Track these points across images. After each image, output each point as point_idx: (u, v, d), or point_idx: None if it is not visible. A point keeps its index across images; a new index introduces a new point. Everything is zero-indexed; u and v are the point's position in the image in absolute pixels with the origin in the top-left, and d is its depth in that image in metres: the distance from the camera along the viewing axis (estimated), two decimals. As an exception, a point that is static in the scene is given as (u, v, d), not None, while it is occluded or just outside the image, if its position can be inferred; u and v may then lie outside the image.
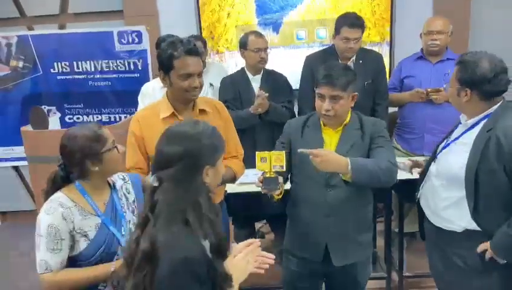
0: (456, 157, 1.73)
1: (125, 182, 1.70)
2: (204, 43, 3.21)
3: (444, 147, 1.85)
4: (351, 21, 2.69)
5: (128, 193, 1.68)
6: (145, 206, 1.21)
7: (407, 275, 2.80)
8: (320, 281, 1.97)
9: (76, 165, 1.52)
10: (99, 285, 1.55)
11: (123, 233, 1.58)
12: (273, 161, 1.67)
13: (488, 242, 1.67)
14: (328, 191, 1.78)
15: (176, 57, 1.76)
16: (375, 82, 2.85)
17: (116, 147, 1.55)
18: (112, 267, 1.51)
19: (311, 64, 2.82)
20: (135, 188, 1.70)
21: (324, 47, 3.17)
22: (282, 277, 2.00)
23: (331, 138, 1.83)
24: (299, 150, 1.67)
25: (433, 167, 1.87)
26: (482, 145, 1.64)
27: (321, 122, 1.84)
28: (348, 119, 1.83)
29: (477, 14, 3.69)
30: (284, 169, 1.67)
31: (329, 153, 1.67)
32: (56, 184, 1.57)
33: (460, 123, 1.82)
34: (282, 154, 1.68)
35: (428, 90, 2.77)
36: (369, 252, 1.95)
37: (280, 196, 1.73)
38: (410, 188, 2.09)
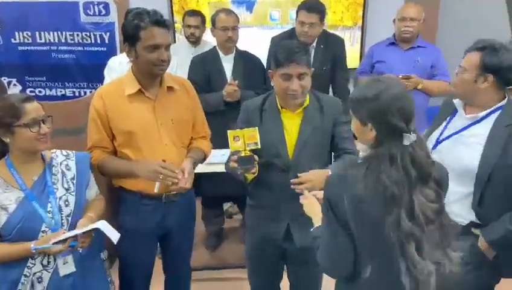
0: (467, 150, 1.68)
1: (68, 158, 1.67)
2: (202, 19, 3.18)
3: (444, 139, 1.79)
4: (309, 5, 2.72)
5: (68, 170, 1.64)
6: None
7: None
8: (282, 261, 1.98)
9: None
10: (27, 261, 1.52)
11: (49, 209, 1.54)
12: (246, 139, 1.63)
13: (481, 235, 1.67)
14: (290, 174, 1.74)
15: (142, 27, 1.68)
16: (334, 67, 2.90)
17: (29, 125, 1.47)
18: (31, 244, 1.49)
19: (275, 45, 2.81)
20: (79, 165, 1.67)
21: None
22: (246, 254, 2.01)
23: (290, 121, 1.79)
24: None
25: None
26: (503, 141, 1.62)
27: (279, 105, 1.79)
28: (308, 100, 1.80)
29: (446, 2, 3.75)
30: (259, 146, 1.64)
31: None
32: None
33: (456, 112, 1.79)
34: (256, 130, 1.64)
35: (400, 76, 2.81)
36: None
37: (255, 175, 1.71)
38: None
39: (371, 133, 1.23)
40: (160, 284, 2.13)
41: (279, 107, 1.79)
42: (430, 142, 1.83)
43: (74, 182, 1.63)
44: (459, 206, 1.70)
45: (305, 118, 1.78)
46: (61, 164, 1.63)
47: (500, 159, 1.61)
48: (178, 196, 1.86)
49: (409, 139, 1.18)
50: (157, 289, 2.11)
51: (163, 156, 1.78)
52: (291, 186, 1.65)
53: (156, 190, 1.77)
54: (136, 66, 1.78)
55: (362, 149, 1.34)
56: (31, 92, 3.72)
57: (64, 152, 1.67)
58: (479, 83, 1.66)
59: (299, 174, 1.65)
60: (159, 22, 1.70)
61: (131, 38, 1.71)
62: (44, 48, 3.63)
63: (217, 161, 2.28)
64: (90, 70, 3.65)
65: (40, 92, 3.75)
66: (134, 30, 1.69)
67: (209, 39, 3.18)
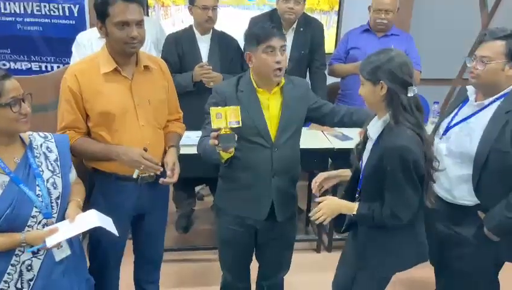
0: (470, 136, 1.77)
1: (47, 140, 1.58)
2: None
3: (453, 126, 1.87)
4: None
5: (50, 152, 1.56)
6: None
7: (336, 238, 2.97)
8: (253, 242, 2.01)
9: None
10: (15, 250, 1.44)
11: (38, 193, 1.47)
12: (228, 116, 1.62)
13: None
14: (274, 152, 1.81)
15: (110, 3, 1.62)
16: (312, 52, 2.91)
17: (10, 104, 1.37)
18: (21, 235, 1.42)
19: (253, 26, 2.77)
20: (59, 146, 1.59)
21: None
22: (218, 235, 2.03)
23: (268, 100, 1.82)
24: (316, 199, 1.71)
25: (441, 146, 1.88)
26: (500, 126, 1.70)
27: (255, 85, 1.81)
28: (283, 80, 1.84)
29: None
30: (240, 124, 1.64)
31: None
32: None
33: (467, 100, 1.87)
34: (238, 109, 1.64)
35: None
36: (296, 203, 2.06)
37: (231, 154, 1.72)
38: (346, 157, 2.14)
39: (383, 91, 1.55)
40: (130, 264, 2.12)
41: (256, 87, 1.81)
42: (441, 129, 1.92)
43: (58, 163, 1.55)
44: (465, 188, 1.81)
45: (285, 96, 1.83)
46: (41, 146, 1.54)
47: (495, 143, 1.71)
48: (154, 177, 1.84)
49: (413, 90, 1.54)
50: (127, 270, 2.10)
51: (139, 137, 1.75)
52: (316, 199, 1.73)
53: (134, 176, 1.75)
54: (109, 44, 1.73)
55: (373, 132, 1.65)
56: (-6, 64, 3.53)
57: (41, 134, 1.58)
58: (506, 70, 1.73)
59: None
60: None
61: (100, 14, 1.66)
62: (9, 19, 3.42)
63: (190, 142, 2.26)
64: (58, 44, 3.48)
65: (4, 64, 3.56)
66: (104, 6, 1.64)
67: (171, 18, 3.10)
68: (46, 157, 1.54)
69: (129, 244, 2.06)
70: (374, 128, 1.65)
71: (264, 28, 1.75)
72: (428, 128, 2.05)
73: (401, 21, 3.40)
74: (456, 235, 1.86)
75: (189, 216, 3.15)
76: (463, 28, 3.63)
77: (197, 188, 3.37)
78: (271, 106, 1.82)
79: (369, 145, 1.70)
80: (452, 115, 1.93)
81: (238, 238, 1.95)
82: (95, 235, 1.88)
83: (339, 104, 1.88)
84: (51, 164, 1.54)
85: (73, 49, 2.74)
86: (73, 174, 1.67)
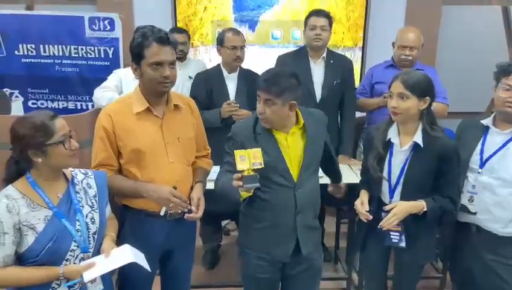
0: None
1: (87, 176, 1.64)
2: (188, 36, 3.26)
3: (489, 157, 1.93)
4: (317, 10, 2.85)
5: (90, 188, 1.62)
6: None
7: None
8: (279, 279, 1.99)
9: (19, 152, 1.46)
10: (52, 283, 1.48)
11: (77, 228, 1.52)
12: (251, 158, 1.67)
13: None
14: (297, 191, 1.83)
15: (146, 45, 1.71)
16: (343, 83, 2.92)
17: (63, 142, 1.46)
18: (60, 270, 1.46)
19: (283, 65, 2.84)
20: (98, 183, 1.65)
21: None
22: (242, 271, 2.02)
23: (287, 141, 1.84)
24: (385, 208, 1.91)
25: (483, 178, 1.94)
26: None
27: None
28: (301, 121, 1.86)
29: (446, 27, 3.83)
30: (262, 166, 1.68)
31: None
32: (12, 173, 1.50)
33: (487, 131, 1.97)
34: (259, 151, 1.69)
35: None
36: (320, 235, 2.10)
37: (250, 194, 1.75)
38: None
39: (425, 104, 1.86)
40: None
41: (271, 129, 1.84)
42: (474, 163, 1.97)
43: (96, 199, 1.61)
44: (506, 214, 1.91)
45: (309, 137, 1.86)
46: (82, 181, 1.61)
47: None
48: (181, 213, 1.86)
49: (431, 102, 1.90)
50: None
51: (169, 173, 1.80)
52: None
53: (162, 213, 1.80)
54: (142, 84, 1.81)
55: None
56: (33, 104, 3.73)
57: (82, 170, 1.64)
58: None
59: (386, 208, 1.91)
60: (162, 39, 1.72)
61: (136, 56, 1.75)
62: (48, 61, 3.65)
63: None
64: (93, 84, 3.61)
65: (42, 104, 3.75)
66: (139, 48, 1.73)
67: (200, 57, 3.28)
68: (86, 193, 1.60)
69: (156, 281, 2.07)
70: (417, 138, 1.87)
71: (264, 76, 1.81)
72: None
73: (427, 55, 3.41)
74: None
75: (216, 251, 3.15)
76: (490, 60, 3.60)
77: (223, 223, 3.38)
78: (291, 146, 1.84)
79: (400, 154, 1.91)
80: (478, 149, 1.97)
81: (263, 274, 1.94)
82: (124, 271, 1.90)
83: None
84: (90, 200, 1.60)
85: (109, 76, 2.95)
86: (108, 209, 1.72)
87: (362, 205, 1.98)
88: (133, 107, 1.79)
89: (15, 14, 3.59)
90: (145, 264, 1.60)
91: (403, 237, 1.92)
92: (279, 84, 1.74)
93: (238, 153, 1.67)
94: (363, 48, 3.81)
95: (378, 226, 1.90)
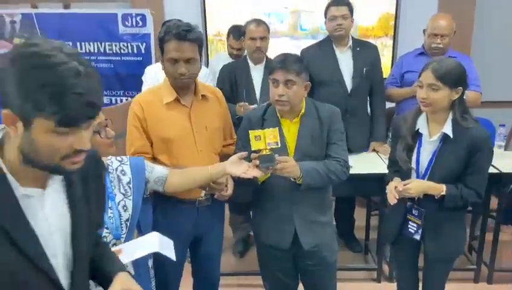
0: None
1: (122, 163, 1.67)
2: (268, 29, 2.87)
3: None
4: (336, 0, 2.78)
5: (124, 175, 1.65)
6: None
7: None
8: (293, 265, 2.01)
9: None
10: None
11: (110, 215, 1.56)
12: (267, 138, 1.67)
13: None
14: (291, 181, 1.80)
15: (165, 40, 1.75)
16: (372, 69, 2.87)
17: (98, 131, 1.48)
18: None
19: (307, 58, 2.82)
20: (133, 169, 1.68)
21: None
22: (259, 261, 2.08)
23: (289, 130, 1.85)
24: (277, 157, 1.69)
25: None
26: None
27: (278, 114, 1.85)
28: (303, 109, 1.86)
29: (480, 12, 3.70)
30: (279, 145, 1.68)
31: (289, 159, 1.74)
32: None
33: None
34: (276, 130, 1.69)
35: None
36: (332, 231, 2.04)
37: (268, 175, 1.77)
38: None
39: (457, 95, 1.78)
40: (188, 287, 2.19)
41: (279, 116, 1.86)
42: None
43: (130, 185, 1.64)
44: None
45: (302, 125, 1.85)
46: (116, 169, 1.64)
47: None
48: (210, 200, 1.92)
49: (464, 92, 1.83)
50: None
51: (197, 162, 1.84)
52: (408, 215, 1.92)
53: (202, 194, 1.89)
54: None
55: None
56: (70, 99, 3.90)
57: (118, 157, 1.67)
58: None
59: (404, 182, 1.85)
60: (180, 35, 1.72)
61: (160, 49, 1.81)
62: (85, 58, 3.80)
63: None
64: (126, 79, 3.81)
65: (78, 99, 3.93)
66: (160, 42, 1.79)
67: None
68: (120, 181, 1.64)
69: (187, 268, 2.13)
70: (446, 128, 1.81)
71: (275, 60, 1.82)
72: (496, 151, 1.99)
73: (462, 42, 3.31)
74: None
75: (246, 240, 3.20)
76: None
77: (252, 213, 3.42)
78: (290, 135, 1.85)
79: (429, 145, 1.86)
80: None
81: (275, 264, 1.99)
82: (157, 256, 1.97)
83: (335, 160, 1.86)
84: (123, 187, 1.64)
85: (143, 78, 3.02)
86: (158, 170, 1.73)
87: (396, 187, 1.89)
88: (162, 97, 1.85)
89: (53, 12, 3.76)
90: (171, 253, 1.62)
91: (420, 231, 1.90)
92: (296, 64, 1.77)
93: (253, 133, 1.67)
94: (394, 37, 3.73)
95: (394, 190, 1.85)
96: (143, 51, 3.79)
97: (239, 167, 1.68)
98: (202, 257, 2.07)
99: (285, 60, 1.78)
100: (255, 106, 2.64)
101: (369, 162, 2.71)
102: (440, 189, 1.82)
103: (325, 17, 2.82)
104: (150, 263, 1.81)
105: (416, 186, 1.83)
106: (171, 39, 1.74)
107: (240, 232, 3.17)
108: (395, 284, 2.28)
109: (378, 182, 2.61)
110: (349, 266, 2.95)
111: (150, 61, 3.72)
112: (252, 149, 1.68)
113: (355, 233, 3.25)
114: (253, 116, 1.91)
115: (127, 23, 3.73)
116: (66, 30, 3.75)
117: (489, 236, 2.77)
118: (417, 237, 1.92)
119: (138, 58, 3.80)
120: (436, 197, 1.84)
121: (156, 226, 1.90)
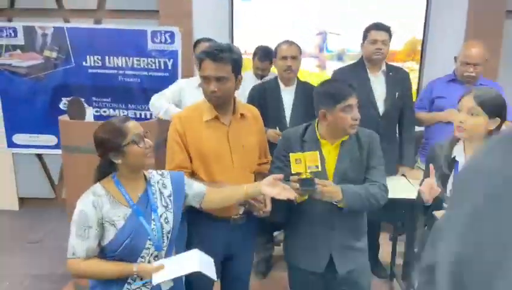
0: None
1: (163, 177, 1.71)
2: (299, 50, 2.83)
3: None
4: (377, 24, 2.79)
5: (165, 188, 1.68)
6: None
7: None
8: (323, 285, 1.97)
9: (102, 155, 1.58)
10: (128, 279, 1.57)
11: (153, 227, 1.58)
12: (307, 161, 1.68)
13: None
14: (333, 205, 1.80)
15: (200, 59, 1.83)
16: (403, 95, 2.87)
17: (136, 141, 1.55)
18: (134, 267, 1.54)
19: (340, 79, 2.83)
20: (174, 183, 1.70)
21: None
22: (290, 282, 2.06)
23: (329, 153, 1.85)
24: (316, 181, 1.70)
25: None
26: None
27: (318, 137, 1.86)
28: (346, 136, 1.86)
29: (508, 39, 3.70)
30: (319, 169, 1.69)
31: (329, 183, 1.75)
32: (100, 174, 1.62)
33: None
34: (316, 154, 1.69)
35: None
36: (366, 257, 2.01)
37: (306, 197, 1.76)
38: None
39: (494, 124, 1.75)
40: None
41: (319, 139, 1.85)
42: None
43: (171, 199, 1.67)
44: None
45: (343, 149, 1.85)
46: (158, 182, 1.68)
47: None
48: (244, 219, 1.92)
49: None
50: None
51: (233, 179, 1.85)
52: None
53: (240, 212, 1.91)
54: None
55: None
56: (96, 112, 3.93)
57: (159, 171, 1.73)
58: None
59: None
60: (211, 54, 1.79)
61: (198, 69, 1.86)
62: (112, 72, 3.88)
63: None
64: (152, 94, 3.82)
65: (104, 112, 3.97)
66: (197, 61, 1.86)
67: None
68: (161, 194, 1.67)
69: (217, 285, 2.11)
70: None
71: (341, 88, 1.80)
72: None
73: (489, 70, 3.30)
74: None
75: (268, 261, 3.17)
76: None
77: (274, 234, 3.39)
78: (330, 158, 1.84)
79: None
80: None
81: (306, 287, 1.96)
82: (187, 275, 1.95)
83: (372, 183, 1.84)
84: (165, 200, 1.66)
85: (171, 85, 3.06)
86: (197, 187, 1.76)
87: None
88: (203, 115, 1.87)
89: (84, 27, 3.85)
90: (211, 271, 1.63)
91: None
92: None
93: (293, 156, 1.69)
94: (421, 62, 3.74)
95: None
96: (170, 67, 3.85)
97: (274, 188, 1.68)
98: (232, 276, 2.06)
99: (349, 85, 1.81)
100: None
101: (397, 187, 2.68)
102: None
103: (364, 40, 2.83)
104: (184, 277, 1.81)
105: None
106: (203, 58, 1.80)
107: (262, 253, 3.14)
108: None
109: (406, 207, 2.60)
110: (374, 292, 2.90)
111: (176, 77, 3.77)
112: (292, 172, 1.69)
113: (380, 258, 3.20)
114: (293, 137, 1.90)
115: (155, 39, 3.79)
116: (96, 44, 3.83)
117: None
118: None
119: (165, 74, 3.85)
120: None
121: (189, 241, 1.90)
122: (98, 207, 1.52)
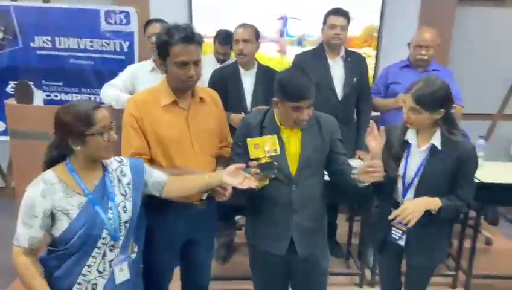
0: None
1: (122, 164, 1.64)
2: (254, 33, 2.78)
3: None
4: (336, 9, 2.84)
5: (124, 176, 1.61)
6: None
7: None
8: (286, 271, 2.01)
9: (60, 139, 1.49)
10: (82, 268, 1.51)
11: (109, 215, 1.52)
12: (266, 146, 1.68)
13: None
14: (293, 189, 1.83)
15: (171, 44, 1.72)
16: (361, 80, 2.94)
17: (102, 133, 1.47)
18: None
19: (301, 64, 2.84)
20: (133, 170, 1.64)
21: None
22: (251, 265, 2.08)
23: (289, 137, 1.85)
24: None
25: None
26: None
27: (278, 122, 1.84)
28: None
29: (460, 27, 3.86)
30: (278, 152, 1.69)
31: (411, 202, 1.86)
32: (52, 157, 1.53)
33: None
34: (275, 138, 1.69)
35: None
36: (325, 239, 2.06)
37: (267, 183, 1.76)
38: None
39: (439, 115, 1.82)
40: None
41: (279, 125, 1.85)
42: None
43: (130, 187, 1.61)
44: None
45: (305, 135, 1.85)
46: (116, 170, 1.61)
47: None
48: (205, 204, 1.90)
49: (453, 107, 1.88)
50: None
51: (194, 164, 1.82)
52: (392, 221, 1.91)
53: (204, 198, 1.89)
54: (168, 79, 1.83)
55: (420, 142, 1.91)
56: (47, 96, 3.73)
57: (117, 158, 1.65)
58: None
59: (395, 211, 1.86)
60: (188, 38, 1.72)
61: (162, 53, 1.76)
62: (63, 54, 3.68)
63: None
64: (107, 78, 3.62)
65: (55, 96, 3.78)
66: (166, 46, 1.74)
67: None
68: (119, 181, 1.60)
69: (176, 272, 2.10)
70: (435, 140, 1.87)
71: (299, 88, 1.71)
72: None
73: (440, 56, 3.43)
74: None
75: (229, 246, 3.18)
76: (504, 61, 3.63)
77: (236, 218, 3.40)
78: (291, 143, 1.85)
79: (417, 155, 1.91)
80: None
81: (270, 273, 1.99)
82: (147, 260, 1.92)
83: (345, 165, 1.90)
84: (123, 188, 1.60)
85: (121, 72, 2.95)
86: (157, 175, 1.71)
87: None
88: (160, 99, 1.81)
89: (32, 6, 3.62)
90: None
91: (404, 237, 1.94)
92: (312, 87, 1.74)
93: (251, 141, 1.68)
94: (377, 48, 3.83)
95: (389, 217, 1.88)
96: (126, 49, 3.69)
97: (236, 178, 1.66)
98: (193, 261, 2.05)
99: (306, 89, 1.72)
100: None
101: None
102: (437, 203, 1.85)
103: (323, 25, 2.86)
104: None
105: (414, 205, 1.84)
106: (178, 43, 1.71)
107: (223, 238, 3.14)
108: (376, 289, 2.32)
109: (362, 189, 2.67)
110: (332, 271, 2.97)
111: (133, 60, 3.64)
112: (251, 157, 1.68)
113: (337, 238, 3.30)
114: (252, 122, 1.89)
115: (110, 20, 3.62)
116: (45, 25, 3.60)
117: (466, 243, 2.88)
118: (401, 243, 1.96)
119: (120, 57, 3.69)
120: (433, 212, 1.86)
121: (150, 226, 1.87)
122: (48, 196, 1.45)
